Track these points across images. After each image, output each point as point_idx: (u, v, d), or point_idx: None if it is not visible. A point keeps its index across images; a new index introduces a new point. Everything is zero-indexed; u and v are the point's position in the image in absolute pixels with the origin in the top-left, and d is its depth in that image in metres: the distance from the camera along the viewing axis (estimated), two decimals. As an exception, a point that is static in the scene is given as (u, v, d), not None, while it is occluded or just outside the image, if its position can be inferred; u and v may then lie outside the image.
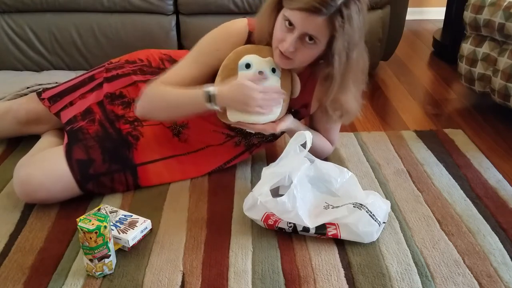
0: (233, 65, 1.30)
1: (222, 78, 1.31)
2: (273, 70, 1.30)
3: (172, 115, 1.40)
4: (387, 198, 1.41)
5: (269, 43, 1.30)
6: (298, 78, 1.35)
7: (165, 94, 1.33)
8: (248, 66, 1.29)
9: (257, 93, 1.24)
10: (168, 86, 1.33)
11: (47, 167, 1.34)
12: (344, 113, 1.40)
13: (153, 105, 1.36)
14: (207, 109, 1.29)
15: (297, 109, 1.46)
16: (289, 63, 1.27)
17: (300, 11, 1.16)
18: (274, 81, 1.30)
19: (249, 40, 1.34)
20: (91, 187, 1.38)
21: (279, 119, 1.36)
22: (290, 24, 1.19)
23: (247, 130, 1.39)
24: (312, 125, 1.55)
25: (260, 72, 1.28)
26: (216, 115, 1.35)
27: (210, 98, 1.26)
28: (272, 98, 1.28)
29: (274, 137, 1.54)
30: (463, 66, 1.99)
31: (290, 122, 1.39)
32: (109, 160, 1.40)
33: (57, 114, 1.54)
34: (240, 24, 1.36)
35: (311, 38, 1.20)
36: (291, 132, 1.40)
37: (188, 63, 1.37)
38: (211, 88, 1.26)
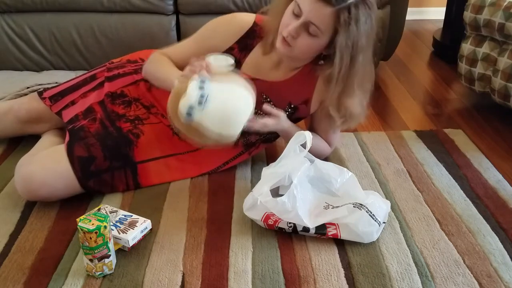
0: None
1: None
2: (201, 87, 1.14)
3: (158, 85, 1.44)
4: (387, 198, 1.41)
5: (274, 38, 1.33)
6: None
7: (156, 65, 1.43)
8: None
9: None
10: (166, 57, 1.44)
11: (48, 164, 1.34)
12: (348, 118, 1.41)
13: (148, 70, 1.46)
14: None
15: (297, 105, 1.46)
16: (289, 50, 1.29)
17: None
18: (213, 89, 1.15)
19: (251, 31, 1.39)
20: (92, 184, 1.39)
21: (270, 116, 1.36)
22: (298, 11, 1.23)
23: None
24: (312, 125, 1.56)
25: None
26: None
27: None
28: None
29: (273, 136, 1.54)
30: (463, 66, 1.99)
31: (280, 120, 1.38)
32: (110, 158, 1.40)
33: (59, 113, 1.54)
34: (246, 17, 1.42)
35: (314, 29, 1.24)
36: (283, 132, 1.43)
37: (189, 42, 1.48)
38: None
